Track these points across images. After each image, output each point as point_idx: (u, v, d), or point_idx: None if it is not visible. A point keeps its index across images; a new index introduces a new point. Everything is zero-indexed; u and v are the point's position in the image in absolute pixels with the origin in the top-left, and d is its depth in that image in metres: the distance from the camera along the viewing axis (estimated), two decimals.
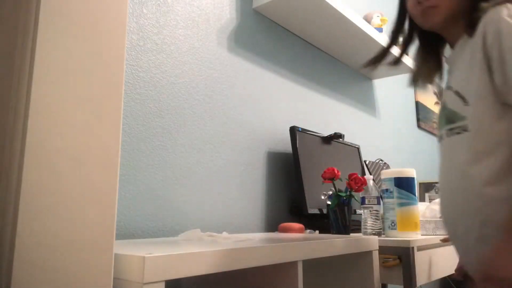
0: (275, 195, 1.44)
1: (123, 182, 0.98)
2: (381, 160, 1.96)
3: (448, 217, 0.82)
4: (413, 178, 1.20)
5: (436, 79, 0.94)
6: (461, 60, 0.81)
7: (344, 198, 1.22)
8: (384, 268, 1.19)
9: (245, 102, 1.39)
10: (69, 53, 0.47)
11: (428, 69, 0.94)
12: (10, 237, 0.41)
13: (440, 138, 0.85)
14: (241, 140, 1.35)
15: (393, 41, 0.97)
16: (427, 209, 1.44)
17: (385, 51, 0.98)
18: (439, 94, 3.46)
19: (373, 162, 1.87)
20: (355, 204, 1.59)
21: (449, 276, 1.23)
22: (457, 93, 0.79)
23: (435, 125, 3.26)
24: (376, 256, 1.04)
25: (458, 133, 0.78)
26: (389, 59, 0.99)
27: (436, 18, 0.84)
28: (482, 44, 0.74)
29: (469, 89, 0.77)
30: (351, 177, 1.23)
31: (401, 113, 2.70)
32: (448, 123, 0.81)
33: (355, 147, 1.78)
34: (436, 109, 3.33)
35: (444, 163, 0.83)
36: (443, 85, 0.89)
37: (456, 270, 0.96)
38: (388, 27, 2.82)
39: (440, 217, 1.25)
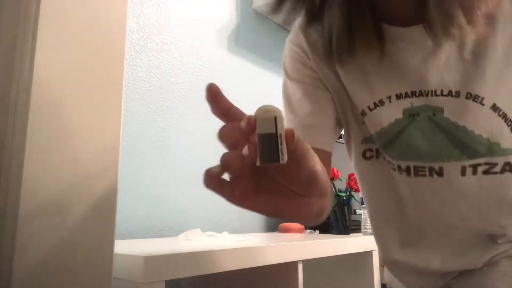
0: None
1: (123, 182, 0.98)
2: None
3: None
4: None
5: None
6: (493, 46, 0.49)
7: (344, 198, 1.21)
8: (384, 268, 1.19)
9: (245, 102, 1.39)
10: (69, 53, 0.47)
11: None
12: (10, 237, 0.41)
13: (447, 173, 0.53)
14: None
15: None
16: None
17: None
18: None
19: None
20: (355, 204, 1.59)
21: None
22: (498, 110, 0.49)
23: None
24: (376, 256, 1.05)
25: (498, 172, 0.51)
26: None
27: None
28: None
29: None
30: (351, 177, 1.23)
31: None
32: (474, 155, 0.51)
33: None
34: None
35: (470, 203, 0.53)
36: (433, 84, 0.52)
37: None
38: None
39: None
